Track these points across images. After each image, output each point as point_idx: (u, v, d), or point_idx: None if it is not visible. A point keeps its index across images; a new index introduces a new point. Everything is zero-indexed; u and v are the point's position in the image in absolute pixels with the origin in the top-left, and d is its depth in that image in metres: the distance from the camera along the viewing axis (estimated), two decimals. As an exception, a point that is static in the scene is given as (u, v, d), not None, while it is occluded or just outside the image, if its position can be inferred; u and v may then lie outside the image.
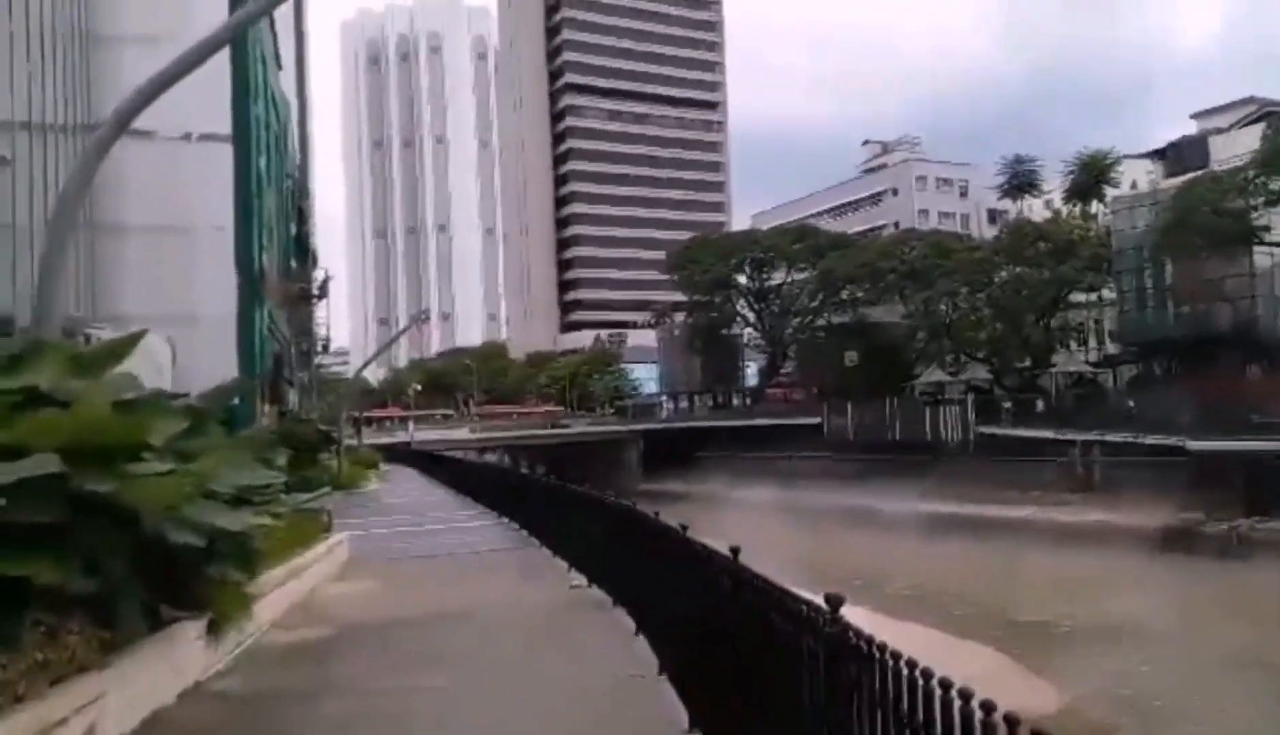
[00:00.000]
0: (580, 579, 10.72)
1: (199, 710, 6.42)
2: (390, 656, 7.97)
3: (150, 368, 11.86)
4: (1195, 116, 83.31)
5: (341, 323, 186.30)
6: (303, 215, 33.38)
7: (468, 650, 8.10)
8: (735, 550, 4.67)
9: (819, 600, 3.55)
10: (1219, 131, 73.48)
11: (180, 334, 15.48)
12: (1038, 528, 41.01)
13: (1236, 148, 61.12)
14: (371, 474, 28.91)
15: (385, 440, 60.89)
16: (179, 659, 6.75)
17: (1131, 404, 44.58)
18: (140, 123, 19.16)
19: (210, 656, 7.20)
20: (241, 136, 18.85)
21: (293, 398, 28.69)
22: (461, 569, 12.85)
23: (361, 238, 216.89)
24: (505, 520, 17.56)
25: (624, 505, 8.74)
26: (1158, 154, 76.04)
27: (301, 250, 32.93)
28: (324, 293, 31.83)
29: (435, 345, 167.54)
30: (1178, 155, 70.79)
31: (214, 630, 7.03)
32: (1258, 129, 63.29)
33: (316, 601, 10.43)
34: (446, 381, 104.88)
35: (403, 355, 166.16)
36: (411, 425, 67.31)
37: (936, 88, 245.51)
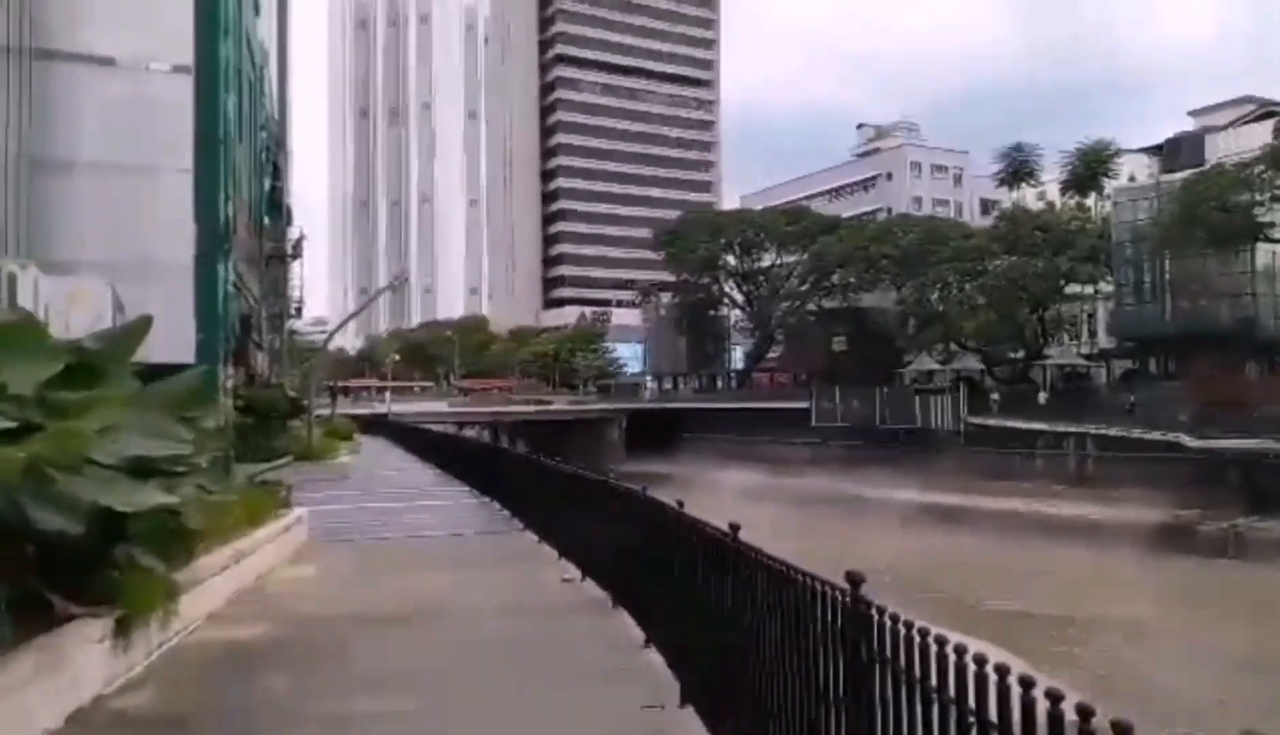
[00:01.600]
0: (572, 571, 9.40)
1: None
2: (344, 667, 6.56)
3: (86, 315, 10.37)
4: (1193, 113, 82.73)
5: (320, 291, 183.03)
6: (277, 170, 31.61)
7: (440, 665, 6.69)
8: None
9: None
10: (1217, 129, 72.84)
11: (131, 285, 13.87)
12: (1028, 521, 40.19)
13: (1234, 145, 60.25)
14: (345, 445, 27.41)
15: (362, 411, 59.28)
16: (75, 668, 5.33)
17: (1132, 398, 43.64)
18: (98, 48, 17.53)
19: (117, 663, 5.77)
20: (207, 71, 17.16)
21: (262, 362, 27.11)
22: (436, 554, 11.41)
23: (343, 206, 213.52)
24: (487, 499, 16.12)
25: (634, 491, 7.38)
26: (1155, 149, 75.13)
27: (275, 207, 31.19)
28: (298, 252, 30.10)
29: (416, 317, 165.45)
30: (1175, 151, 70.00)
31: (123, 630, 5.63)
32: (1256, 127, 62.62)
33: (265, 591, 9.03)
34: (426, 353, 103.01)
35: (382, 325, 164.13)
36: (389, 396, 65.61)
37: (934, 76, 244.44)
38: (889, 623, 3.07)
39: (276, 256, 30.88)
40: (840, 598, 3.39)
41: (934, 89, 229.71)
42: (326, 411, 43.62)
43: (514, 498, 13.67)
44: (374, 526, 13.70)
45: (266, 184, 30.42)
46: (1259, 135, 55.56)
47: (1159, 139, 74.82)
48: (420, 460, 26.08)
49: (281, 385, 24.82)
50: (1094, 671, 20.58)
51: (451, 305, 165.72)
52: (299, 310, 33.00)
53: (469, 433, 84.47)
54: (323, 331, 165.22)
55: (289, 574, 9.94)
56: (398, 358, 79.47)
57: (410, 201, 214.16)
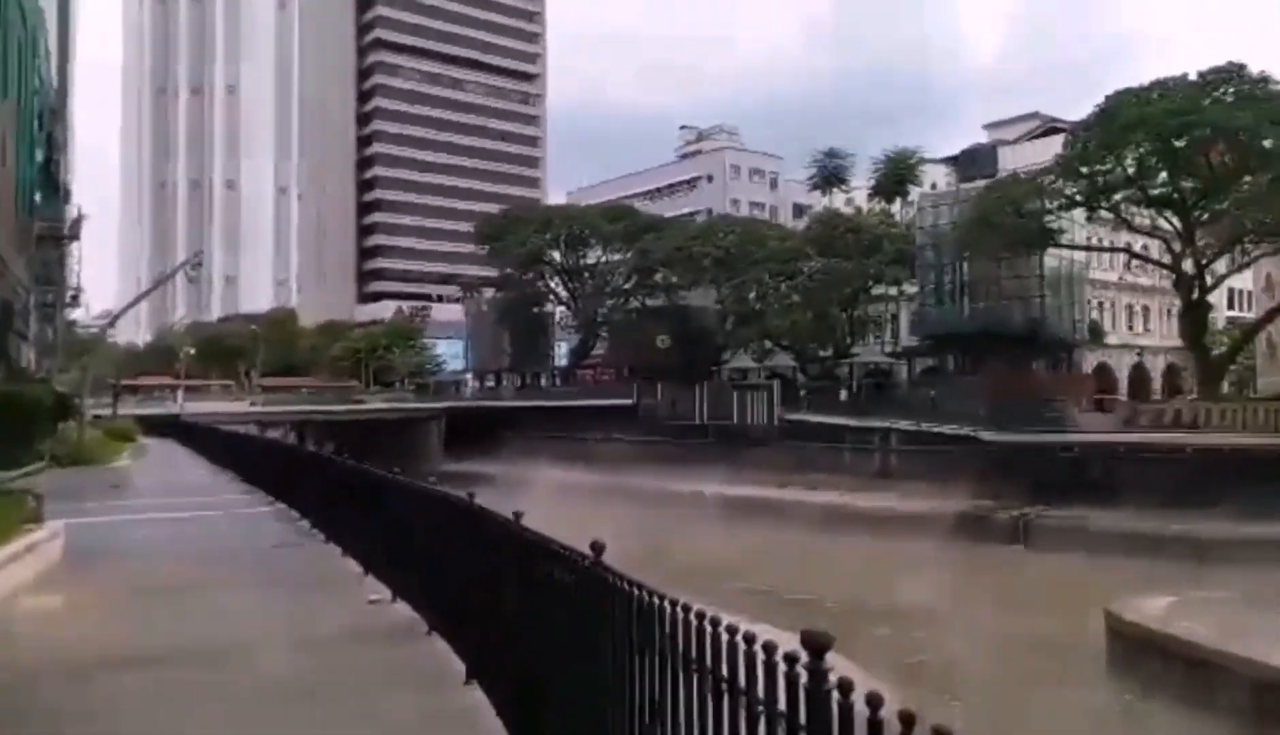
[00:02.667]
0: (381, 590, 8.27)
1: None
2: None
3: None
4: (987, 127, 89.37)
5: (111, 284, 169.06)
6: (54, 143, 28.21)
7: (213, 725, 5.35)
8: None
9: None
10: (1007, 142, 78.78)
11: None
12: (837, 513, 41.62)
13: (1023, 158, 65.25)
14: (125, 448, 24.62)
15: (152, 411, 54.47)
16: None
17: (933, 394, 46.07)
18: None
19: None
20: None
21: (29, 355, 24.00)
22: (220, 574, 9.87)
23: (139, 191, 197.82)
24: (284, 507, 14.58)
25: (453, 497, 6.42)
26: (953, 160, 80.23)
27: (50, 184, 27.82)
28: (74, 234, 26.80)
29: (217, 310, 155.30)
30: (971, 161, 74.99)
31: None
32: (1043, 142, 68.05)
33: (-7, 625, 7.41)
34: (227, 349, 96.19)
35: (180, 319, 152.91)
36: (180, 395, 60.64)
37: (749, 87, 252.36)
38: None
39: (51, 238, 27.52)
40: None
41: (747, 102, 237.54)
42: (105, 411, 39.66)
43: (315, 506, 12.27)
44: (147, 542, 11.94)
45: (39, 156, 27.13)
46: (1044, 148, 60.32)
47: (957, 151, 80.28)
48: (211, 464, 23.74)
49: (46, 381, 21.94)
50: (881, 652, 21.36)
51: (257, 298, 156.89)
52: (75, 298, 29.61)
53: (274, 435, 79.81)
54: (112, 326, 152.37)
55: (30, 604, 8.27)
56: (192, 352, 73.63)
57: (214, 186, 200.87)
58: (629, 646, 3.32)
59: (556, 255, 74.42)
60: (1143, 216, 45.95)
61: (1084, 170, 42.00)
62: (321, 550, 10.90)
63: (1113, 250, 53.26)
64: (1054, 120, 76.28)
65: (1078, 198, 44.65)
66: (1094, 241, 53.29)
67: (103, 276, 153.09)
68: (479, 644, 5.50)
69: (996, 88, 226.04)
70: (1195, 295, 42.94)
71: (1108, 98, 42.35)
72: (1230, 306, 62.20)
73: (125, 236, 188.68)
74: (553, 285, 77.18)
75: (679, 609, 2.99)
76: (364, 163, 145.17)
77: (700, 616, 2.87)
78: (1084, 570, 29.98)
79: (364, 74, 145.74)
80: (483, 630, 5.38)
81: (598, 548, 3.68)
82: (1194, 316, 43.78)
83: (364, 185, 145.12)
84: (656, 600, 3.12)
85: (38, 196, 25.93)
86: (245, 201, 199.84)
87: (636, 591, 3.28)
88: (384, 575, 8.36)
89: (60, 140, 29.02)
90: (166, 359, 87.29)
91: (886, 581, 30.15)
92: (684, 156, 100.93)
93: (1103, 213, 47.36)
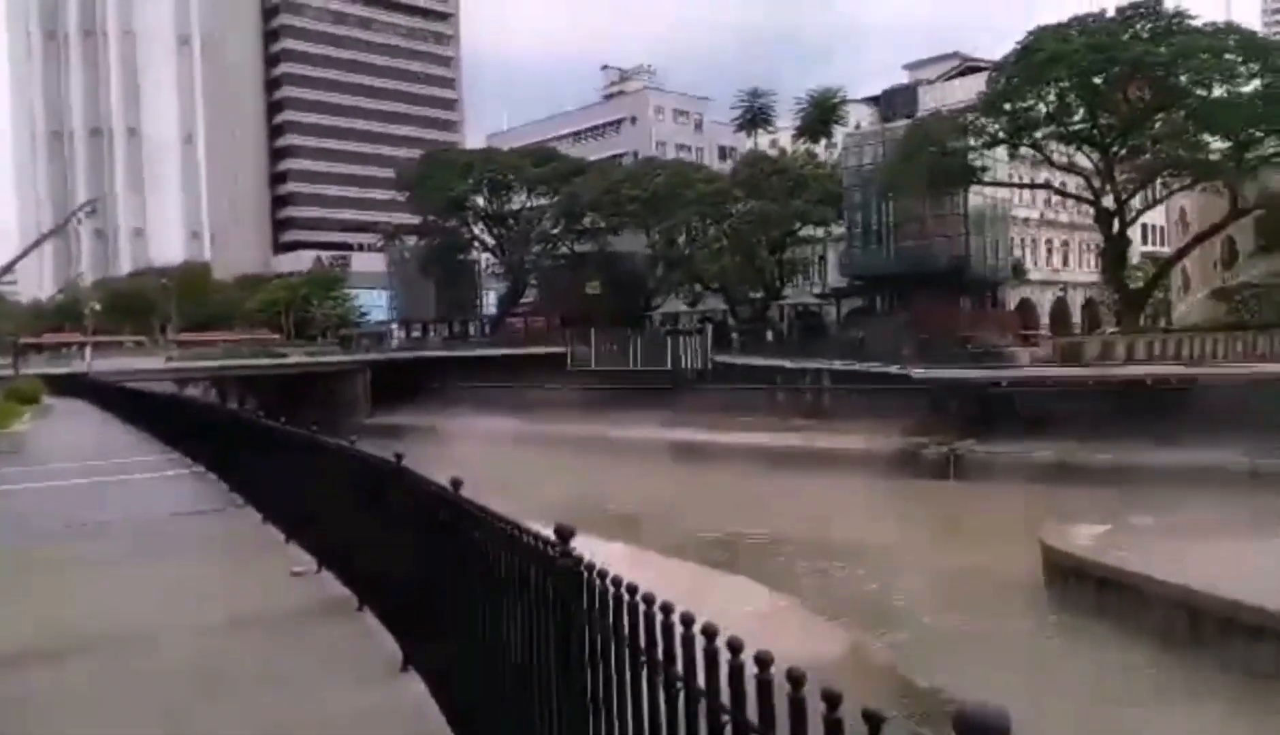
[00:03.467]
0: (305, 560, 7.56)
1: None
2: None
3: None
4: (907, 67, 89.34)
5: (9, 239, 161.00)
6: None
7: (107, 729, 4.53)
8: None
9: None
10: (928, 82, 79.05)
11: None
12: (772, 453, 41.88)
13: (942, 97, 65.59)
14: (26, 410, 23.05)
15: (58, 370, 51.88)
16: None
17: (862, 335, 46.40)
18: None
19: None
20: None
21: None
22: (125, 548, 8.92)
23: (31, 139, 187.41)
24: (200, 469, 13.62)
25: (379, 460, 5.78)
26: (873, 100, 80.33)
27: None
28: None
29: (126, 265, 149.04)
30: (890, 102, 75.25)
31: None
32: (961, 81, 68.41)
33: None
34: (139, 304, 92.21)
35: (86, 274, 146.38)
36: (89, 352, 57.85)
37: (671, 27, 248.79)
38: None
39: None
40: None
41: (671, 42, 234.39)
42: (10, 372, 37.52)
43: (233, 468, 11.37)
44: (40, 515, 10.85)
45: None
46: (963, 88, 60.60)
47: (878, 91, 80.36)
48: (121, 424, 22.37)
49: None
50: (819, 588, 21.62)
51: (167, 250, 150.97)
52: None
53: (192, 392, 77.12)
54: (13, 284, 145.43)
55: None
56: (98, 308, 70.23)
57: (113, 134, 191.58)
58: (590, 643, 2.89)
59: (480, 201, 72.66)
60: (1063, 154, 46.51)
61: (1006, 107, 42.20)
62: (240, 516, 10.07)
63: (1035, 187, 53.95)
64: (972, 60, 76.61)
65: (1000, 135, 44.90)
66: (1016, 179, 53.91)
67: (1, 232, 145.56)
68: (414, 625, 4.91)
69: (914, 29, 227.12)
70: (1115, 230, 43.75)
71: (1029, 34, 42.44)
72: (1145, 242, 63.84)
73: (22, 190, 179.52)
74: (477, 232, 75.46)
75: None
76: (273, 107, 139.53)
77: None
78: (1013, 501, 30.60)
79: (269, 14, 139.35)
80: (418, 609, 4.80)
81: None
82: (1114, 251, 44.69)
83: (275, 131, 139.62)
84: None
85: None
86: (148, 150, 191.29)
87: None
88: (308, 543, 7.67)
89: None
90: (75, 316, 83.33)
91: (822, 519, 30.45)
92: (608, 97, 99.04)
93: (1024, 150, 47.84)
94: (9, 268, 20.60)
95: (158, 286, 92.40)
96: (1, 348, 53.09)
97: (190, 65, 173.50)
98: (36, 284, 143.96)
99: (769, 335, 54.17)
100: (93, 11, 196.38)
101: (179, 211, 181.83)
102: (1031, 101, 41.11)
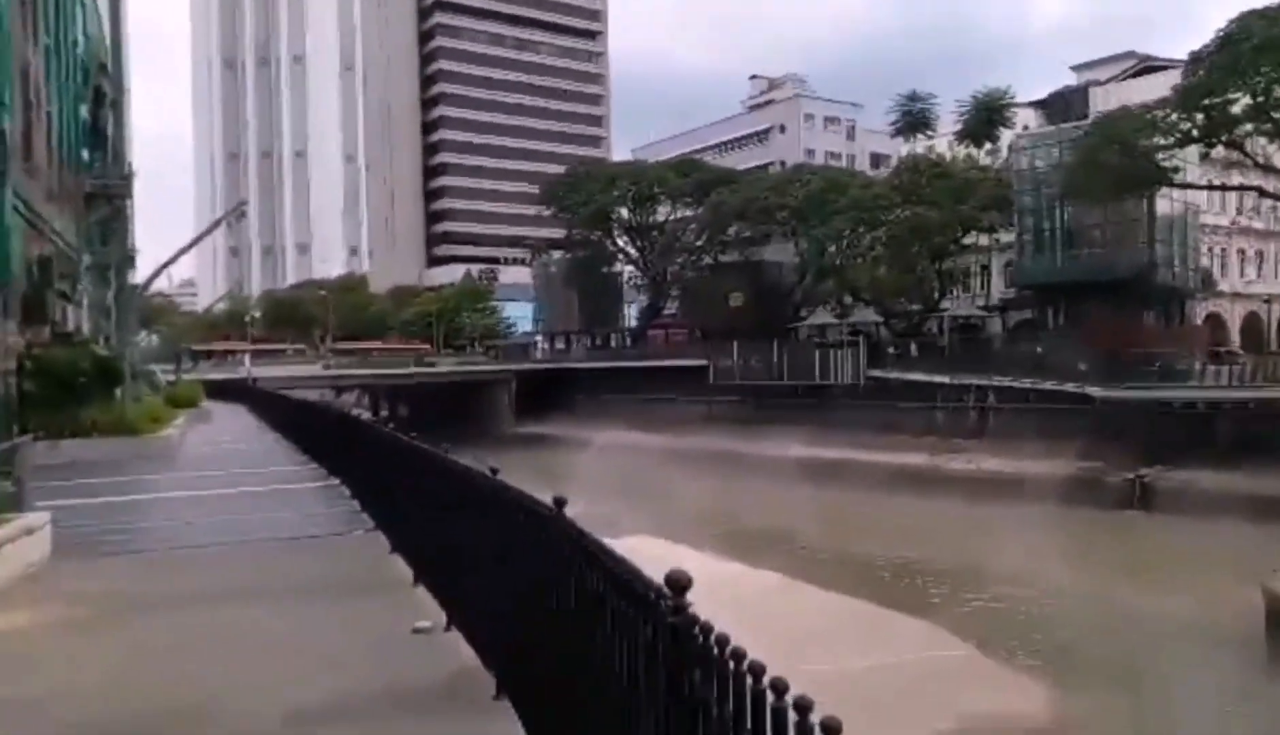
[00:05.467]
0: (432, 611, 6.09)
1: None
2: None
3: None
4: (1076, 68, 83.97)
5: (187, 253, 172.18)
6: (101, 97, 26.89)
7: None
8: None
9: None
10: (1099, 83, 73.76)
11: None
12: (936, 476, 39.20)
13: (1118, 99, 60.59)
14: (181, 414, 23.39)
15: (223, 376, 54.12)
16: None
17: (1040, 349, 42.85)
18: None
19: None
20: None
21: (79, 319, 22.82)
22: (239, 577, 7.92)
23: (211, 162, 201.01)
24: (335, 482, 12.71)
25: (539, 508, 3.97)
26: (1038, 104, 75.81)
27: (98, 139, 26.57)
28: (123, 193, 25.35)
29: (290, 278, 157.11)
30: (1061, 105, 70.59)
31: None
32: (1140, 81, 63.27)
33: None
34: (300, 314, 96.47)
35: (255, 288, 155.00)
36: (248, 359, 60.26)
37: (817, 37, 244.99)
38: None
39: (102, 197, 26.27)
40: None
41: (813, 56, 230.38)
42: (171, 377, 39.01)
43: (365, 484, 10.28)
44: (167, 529, 10.04)
45: (83, 111, 25.83)
46: (1140, 89, 55.81)
47: (1043, 95, 75.60)
48: (269, 429, 22.27)
49: (87, 343, 20.64)
50: (986, 627, 19.28)
51: (329, 265, 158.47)
52: (131, 259, 28.42)
53: (347, 398, 79.68)
54: (192, 294, 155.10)
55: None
56: (258, 316, 73.53)
57: (283, 157, 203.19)
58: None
59: (624, 213, 72.17)
60: (1264, 153, 41.82)
61: (1207, 102, 38.02)
62: (366, 543, 8.91)
63: (1237, 189, 48.90)
64: (1150, 58, 71.28)
65: (1195, 133, 40.65)
66: (1205, 182, 49.06)
67: (178, 241, 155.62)
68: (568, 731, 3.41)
69: (1071, 36, 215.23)
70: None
71: (1231, 21, 38.20)
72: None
73: (200, 208, 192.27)
74: (621, 244, 75.03)
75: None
76: (429, 126, 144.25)
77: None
78: (1214, 537, 27.31)
79: (426, 36, 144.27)
80: (573, 712, 3.31)
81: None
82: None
83: (430, 149, 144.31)
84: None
85: (85, 153, 24.62)
86: (314, 170, 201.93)
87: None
88: (437, 588, 6.30)
89: (110, 96, 27.73)
90: (241, 326, 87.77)
91: (994, 551, 27.84)
92: (754, 107, 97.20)
93: (1217, 152, 43.42)
94: (156, 275, 21.05)
95: (317, 298, 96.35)
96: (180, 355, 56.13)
97: (353, 89, 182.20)
98: (212, 295, 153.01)
99: (913, 348, 51.10)
100: (267, 41, 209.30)
101: (339, 228, 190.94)
102: (1239, 93, 36.90)
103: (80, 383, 16.62)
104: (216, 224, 26.52)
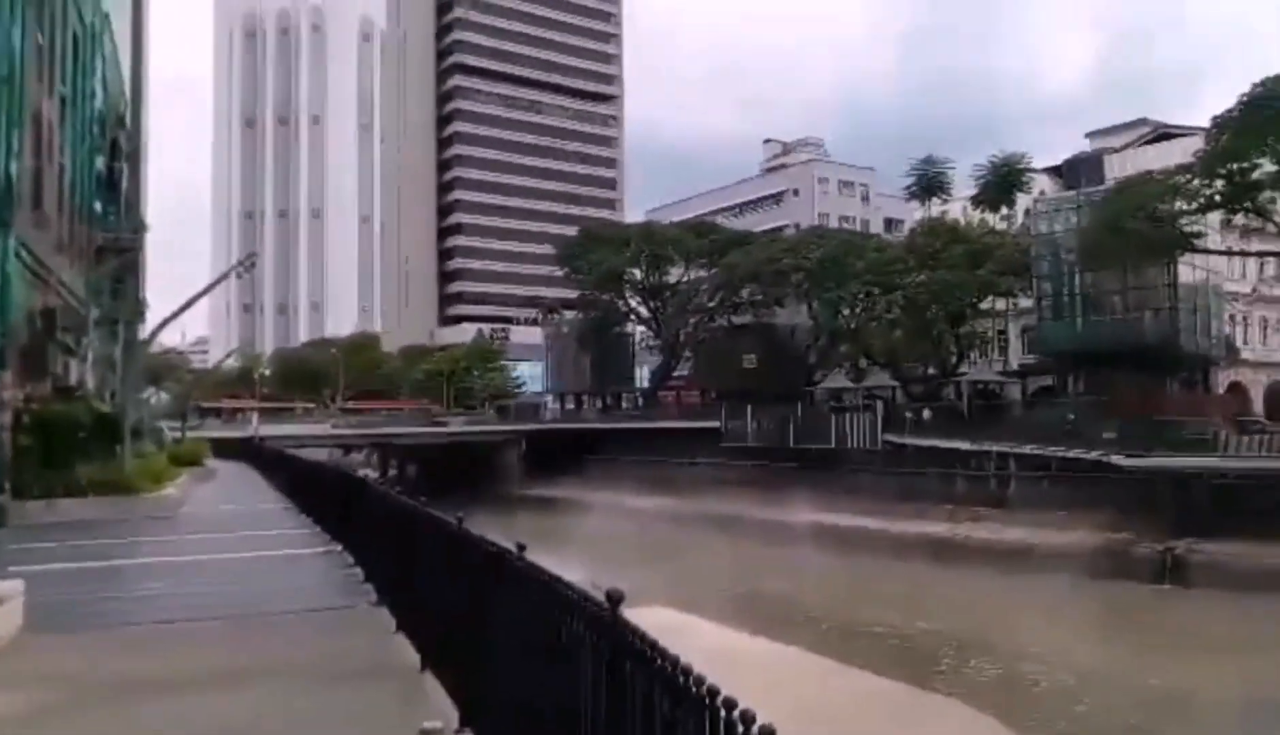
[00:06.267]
0: (443, 708, 5.13)
1: None
2: None
3: None
4: (1090, 135, 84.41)
5: (202, 309, 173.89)
6: (117, 150, 26.72)
7: None
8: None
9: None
10: (1113, 150, 73.96)
11: None
12: (956, 546, 38.09)
13: (1132, 165, 60.53)
14: (185, 472, 22.71)
15: (229, 434, 53.50)
16: None
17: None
18: None
19: None
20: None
21: (83, 373, 22.27)
22: (223, 659, 6.98)
23: (228, 218, 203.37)
24: (338, 548, 11.89)
25: (547, 578, 3.52)
26: (1053, 171, 76.09)
27: (112, 192, 26.33)
28: (135, 246, 25.06)
29: (303, 336, 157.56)
30: (1075, 171, 70.71)
31: None
32: (1154, 148, 63.27)
33: None
34: (311, 373, 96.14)
35: (268, 346, 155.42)
36: (255, 417, 59.68)
37: (829, 104, 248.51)
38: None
39: (113, 250, 25.95)
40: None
41: (829, 119, 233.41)
42: (177, 434, 38.37)
43: (369, 552, 9.41)
44: (146, 602, 9.18)
45: (99, 163, 25.63)
46: (1154, 156, 55.67)
47: (1055, 162, 75.75)
48: (274, 491, 21.49)
49: (88, 398, 20.02)
50: (1023, 711, 18.11)
51: (341, 324, 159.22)
52: (141, 313, 28.01)
53: (356, 458, 78.79)
54: (204, 351, 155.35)
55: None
56: (267, 373, 73.17)
57: (299, 215, 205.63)
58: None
59: (637, 274, 72.04)
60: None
61: (1233, 168, 37.62)
62: (368, 620, 8.05)
63: (1261, 255, 48.35)
64: (1163, 126, 71.64)
65: (1217, 198, 40.24)
66: (1226, 249, 48.56)
67: (197, 305, 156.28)
68: None
69: (1078, 106, 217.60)
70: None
71: (1254, 85, 38.01)
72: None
73: (216, 264, 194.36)
74: (634, 305, 74.78)
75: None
76: (445, 187, 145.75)
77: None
78: (1256, 613, 26.08)
79: (444, 99, 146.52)
80: None
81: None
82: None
83: (445, 210, 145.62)
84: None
85: (97, 205, 24.32)
86: (330, 229, 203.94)
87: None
88: (450, 679, 5.40)
89: (126, 150, 27.56)
90: (252, 384, 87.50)
91: (1022, 627, 26.71)
92: (769, 170, 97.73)
93: (1235, 220, 42.96)
94: (161, 327, 20.61)
95: (328, 356, 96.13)
96: (186, 411, 55.52)
97: (370, 150, 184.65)
98: (221, 353, 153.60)
99: (936, 414, 50.17)
100: (287, 100, 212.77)
101: (354, 287, 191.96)
102: (1265, 158, 36.53)
103: (79, 438, 16.00)
104: (226, 275, 26.07)
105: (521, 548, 3.67)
